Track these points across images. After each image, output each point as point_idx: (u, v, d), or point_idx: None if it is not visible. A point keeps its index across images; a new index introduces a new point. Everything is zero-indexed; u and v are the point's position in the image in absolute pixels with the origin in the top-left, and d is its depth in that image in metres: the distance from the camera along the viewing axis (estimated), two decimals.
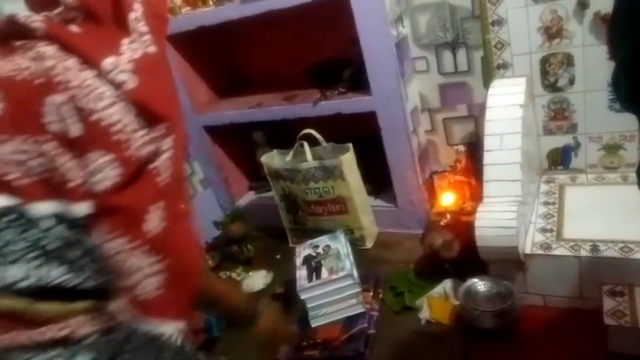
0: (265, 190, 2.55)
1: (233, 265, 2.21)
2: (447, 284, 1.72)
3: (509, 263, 1.54)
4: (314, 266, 1.73)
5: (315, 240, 1.87)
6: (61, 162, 0.73)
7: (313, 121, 2.01)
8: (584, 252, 1.46)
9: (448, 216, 1.88)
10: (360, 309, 1.68)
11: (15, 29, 0.74)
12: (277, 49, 2.30)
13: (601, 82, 1.67)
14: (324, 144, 2.00)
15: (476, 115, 1.94)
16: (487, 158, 1.61)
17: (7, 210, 0.74)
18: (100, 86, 0.72)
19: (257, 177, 2.60)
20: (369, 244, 2.05)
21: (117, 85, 0.73)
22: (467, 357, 1.49)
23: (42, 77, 0.71)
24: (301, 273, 1.70)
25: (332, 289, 1.64)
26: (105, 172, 0.72)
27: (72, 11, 0.75)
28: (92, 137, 0.72)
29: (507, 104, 1.65)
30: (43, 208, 0.75)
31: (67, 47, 0.73)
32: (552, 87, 1.76)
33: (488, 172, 1.61)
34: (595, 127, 1.77)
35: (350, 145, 1.98)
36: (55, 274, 0.78)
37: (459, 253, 1.72)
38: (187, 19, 2.08)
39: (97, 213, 0.73)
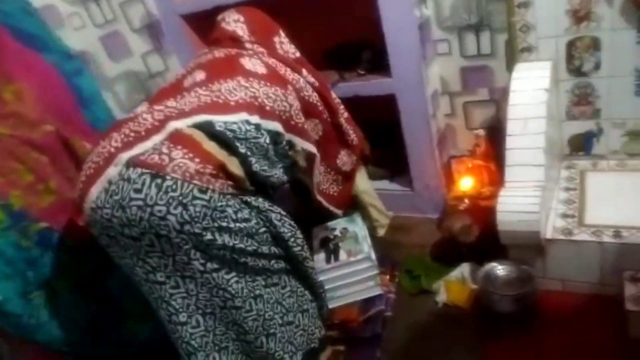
0: None
1: None
2: (464, 268, 1.73)
3: (529, 248, 1.54)
4: (331, 248, 1.73)
5: (332, 223, 1.87)
6: (294, 109, 1.37)
7: None
8: (606, 238, 1.45)
9: (466, 201, 1.87)
10: (377, 291, 1.68)
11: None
12: (296, 31, 2.26)
13: (628, 67, 1.64)
14: None
15: (498, 100, 1.92)
16: (510, 142, 1.60)
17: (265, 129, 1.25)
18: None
19: None
20: (380, 232, 2.01)
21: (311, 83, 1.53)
22: (484, 341, 1.49)
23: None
24: (319, 256, 1.71)
25: (350, 271, 1.65)
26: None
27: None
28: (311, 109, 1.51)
29: (531, 88, 1.63)
30: (275, 126, 1.27)
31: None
32: (577, 72, 1.73)
33: (510, 157, 1.59)
34: (619, 113, 1.74)
35: None
36: (279, 176, 1.31)
37: (477, 237, 1.72)
38: None
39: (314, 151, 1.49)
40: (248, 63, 1.36)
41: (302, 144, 1.42)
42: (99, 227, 1.11)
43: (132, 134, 1.13)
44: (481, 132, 1.91)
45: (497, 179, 1.79)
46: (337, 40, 2.10)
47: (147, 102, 1.30)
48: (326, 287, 1.65)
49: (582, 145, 1.86)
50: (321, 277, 1.63)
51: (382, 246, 1.92)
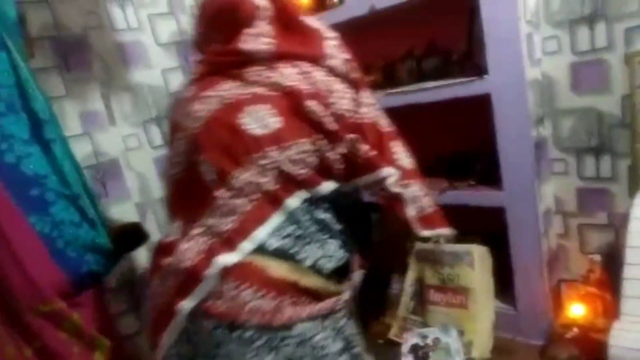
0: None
1: None
2: None
3: None
4: (420, 356, 1.68)
5: (425, 330, 1.82)
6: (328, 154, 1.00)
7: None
8: None
9: (575, 329, 1.72)
10: None
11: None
12: (410, 137, 2.40)
13: None
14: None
15: (617, 225, 1.82)
16: (628, 272, 1.49)
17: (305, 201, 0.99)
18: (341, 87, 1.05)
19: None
20: (475, 354, 1.87)
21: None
22: None
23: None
24: None
25: None
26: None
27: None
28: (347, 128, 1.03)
29: None
30: (326, 187, 1.00)
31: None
32: None
33: (628, 287, 1.47)
34: None
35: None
36: (339, 254, 1.02)
37: None
38: None
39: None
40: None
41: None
42: None
43: (182, 276, 0.94)
44: (597, 257, 1.80)
45: (612, 310, 1.65)
46: (452, 147, 2.17)
47: (177, 219, 1.05)
48: None
49: None
50: None
51: None
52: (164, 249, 1.01)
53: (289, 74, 0.97)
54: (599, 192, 1.83)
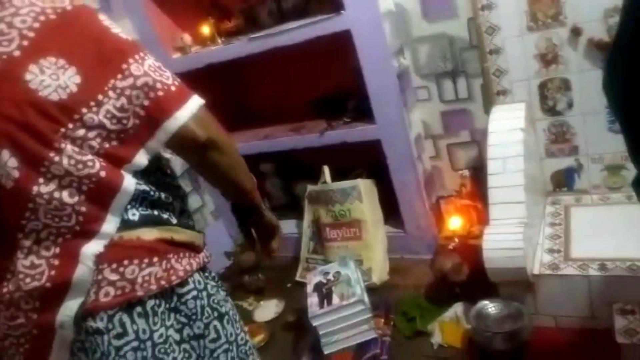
0: None
1: (244, 294, 2.23)
2: (458, 308, 1.73)
3: (518, 284, 1.56)
4: (325, 293, 1.75)
5: (326, 267, 1.90)
6: None
7: (320, 151, 2.07)
8: (592, 271, 1.48)
9: (456, 240, 1.90)
10: (372, 335, 1.68)
11: None
12: (284, 83, 2.38)
13: (599, 104, 1.72)
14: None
15: (479, 140, 1.99)
16: (491, 181, 1.65)
17: None
18: None
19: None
20: (374, 278, 2.01)
21: None
22: None
23: None
24: (312, 300, 1.72)
25: (343, 315, 1.66)
26: None
27: None
28: None
29: (508, 128, 1.70)
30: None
31: None
32: (552, 111, 1.81)
33: (493, 195, 1.64)
34: (596, 148, 1.81)
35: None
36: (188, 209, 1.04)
37: (468, 276, 1.74)
38: (196, 57, 2.16)
39: None
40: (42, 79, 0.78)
41: None
42: None
43: (37, 292, 0.80)
44: (466, 172, 1.97)
45: (484, 217, 1.83)
46: (324, 90, 2.19)
47: None
48: (320, 332, 1.66)
49: (564, 181, 1.91)
50: (315, 322, 1.65)
51: (377, 288, 1.94)
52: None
53: None
54: (459, 112, 1.97)
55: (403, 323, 1.78)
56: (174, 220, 0.93)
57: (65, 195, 0.79)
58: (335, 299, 1.68)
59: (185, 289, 0.90)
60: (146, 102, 0.82)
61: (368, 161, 2.10)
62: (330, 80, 2.15)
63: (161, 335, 0.87)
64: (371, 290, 1.85)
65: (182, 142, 0.88)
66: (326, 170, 2.12)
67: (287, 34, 1.89)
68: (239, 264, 2.29)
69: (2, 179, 0.78)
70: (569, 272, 1.51)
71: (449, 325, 1.69)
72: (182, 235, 0.92)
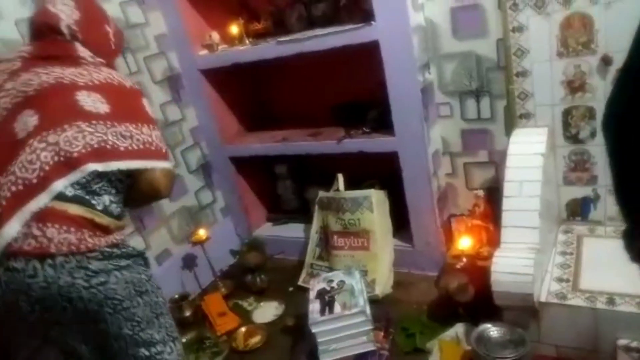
0: (283, 222, 2.60)
1: (245, 294, 2.23)
2: (459, 328, 1.72)
3: (523, 310, 1.54)
4: (327, 300, 1.74)
5: (330, 275, 1.89)
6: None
7: (335, 158, 2.07)
8: (600, 304, 1.45)
9: (464, 259, 1.88)
10: (370, 347, 1.67)
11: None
12: (306, 88, 2.39)
13: None
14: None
15: (497, 162, 1.97)
16: (506, 204, 1.63)
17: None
18: None
19: (276, 209, 2.66)
20: (377, 291, 2.00)
21: None
22: None
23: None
24: (314, 306, 1.71)
25: (344, 324, 1.65)
26: None
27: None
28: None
29: (528, 152, 1.68)
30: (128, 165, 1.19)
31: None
32: (574, 139, 1.79)
33: (506, 218, 1.62)
34: None
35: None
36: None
37: (473, 297, 1.72)
38: (223, 55, 2.18)
39: None
40: (87, 100, 1.17)
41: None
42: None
43: None
44: (480, 192, 1.95)
45: (495, 239, 1.81)
46: (345, 98, 2.19)
47: None
48: (319, 339, 1.65)
49: (579, 210, 1.89)
50: (314, 329, 1.64)
51: (380, 301, 1.92)
52: None
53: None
54: (480, 132, 1.96)
55: (402, 338, 1.77)
56: (100, 207, 1.16)
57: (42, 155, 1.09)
58: (337, 308, 1.67)
59: (93, 255, 1.10)
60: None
61: (382, 172, 2.09)
62: (353, 89, 2.15)
63: (66, 282, 1.07)
64: (373, 302, 1.83)
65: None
66: (340, 178, 2.12)
67: (316, 40, 1.90)
68: (243, 263, 2.29)
69: (19, 133, 1.12)
70: (576, 303, 1.49)
71: (448, 344, 1.67)
72: (101, 219, 1.15)
